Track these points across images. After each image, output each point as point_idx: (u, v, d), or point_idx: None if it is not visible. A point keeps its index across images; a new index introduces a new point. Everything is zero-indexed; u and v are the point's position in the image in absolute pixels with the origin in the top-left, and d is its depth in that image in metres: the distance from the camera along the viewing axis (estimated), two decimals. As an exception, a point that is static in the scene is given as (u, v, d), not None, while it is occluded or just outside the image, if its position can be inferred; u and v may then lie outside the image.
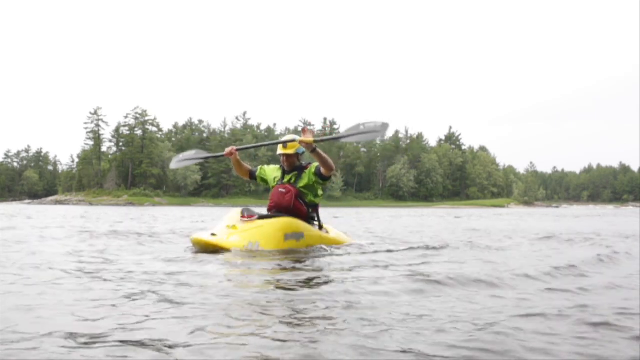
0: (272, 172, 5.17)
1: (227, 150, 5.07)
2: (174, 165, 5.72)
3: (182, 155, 5.68)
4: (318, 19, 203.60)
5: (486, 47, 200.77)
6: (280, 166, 5.13)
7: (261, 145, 5.69)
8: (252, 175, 5.20)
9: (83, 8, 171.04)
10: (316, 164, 4.92)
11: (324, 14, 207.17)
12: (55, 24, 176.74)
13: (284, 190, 4.85)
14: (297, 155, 4.98)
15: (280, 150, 4.99)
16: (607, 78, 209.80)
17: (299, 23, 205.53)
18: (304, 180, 4.90)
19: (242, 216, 4.58)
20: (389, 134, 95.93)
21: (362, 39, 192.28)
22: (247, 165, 5.21)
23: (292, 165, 4.97)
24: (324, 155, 4.77)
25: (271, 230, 4.51)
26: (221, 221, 4.63)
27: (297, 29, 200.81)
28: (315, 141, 4.71)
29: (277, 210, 4.84)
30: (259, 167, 5.26)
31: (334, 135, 5.26)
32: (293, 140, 4.90)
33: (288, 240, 4.56)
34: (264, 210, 4.99)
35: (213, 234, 4.35)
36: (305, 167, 4.97)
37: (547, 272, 3.47)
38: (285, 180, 4.97)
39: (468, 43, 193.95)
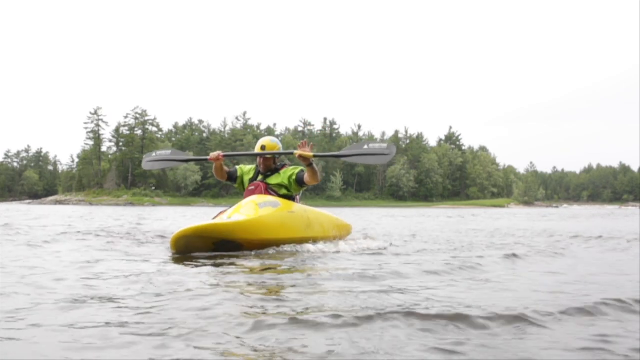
0: (248, 173, 5.17)
1: (214, 154, 4.97)
2: (146, 165, 5.32)
3: (155, 154, 5.33)
4: (318, 19, 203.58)
5: (486, 47, 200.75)
6: (256, 167, 5.13)
7: (247, 155, 5.37)
8: (230, 176, 5.14)
9: (83, 8, 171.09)
10: (296, 169, 4.94)
11: (324, 14, 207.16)
12: (55, 24, 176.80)
13: (253, 187, 4.90)
14: (274, 158, 5.01)
15: (258, 149, 4.97)
16: (606, 78, 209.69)
17: (299, 23, 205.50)
18: (276, 179, 4.93)
19: (215, 217, 4.58)
20: (389, 133, 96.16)
21: (362, 39, 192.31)
22: (226, 168, 5.18)
23: (268, 168, 4.99)
24: (317, 169, 4.79)
25: (243, 204, 4.46)
26: None
27: (297, 29, 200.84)
28: (315, 156, 4.68)
29: None
30: (237, 167, 5.23)
31: (336, 153, 5.02)
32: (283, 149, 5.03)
33: (264, 207, 4.41)
34: None
35: None
36: (279, 169, 5.00)
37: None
38: (258, 180, 5.01)
39: (468, 43, 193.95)
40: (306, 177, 4.82)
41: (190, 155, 5.40)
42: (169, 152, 5.34)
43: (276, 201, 4.58)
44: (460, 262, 3.93)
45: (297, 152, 4.71)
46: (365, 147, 4.71)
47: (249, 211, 4.32)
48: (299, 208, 4.88)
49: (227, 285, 2.82)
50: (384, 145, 4.67)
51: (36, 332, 1.86)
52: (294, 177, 4.90)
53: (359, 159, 4.77)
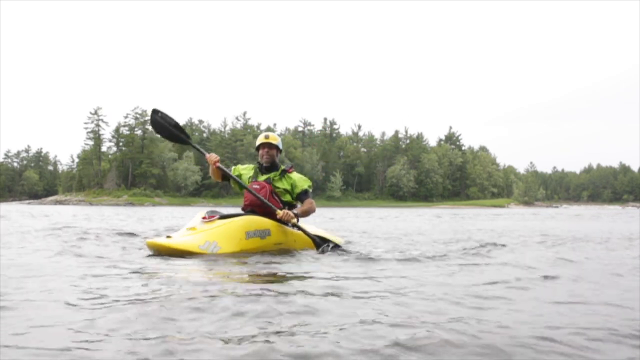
0: (246, 171, 4.90)
1: (213, 157, 4.70)
2: (155, 125, 4.82)
3: (160, 115, 4.80)
4: (318, 19, 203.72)
5: (486, 47, 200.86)
6: (257, 163, 4.88)
7: (240, 183, 4.73)
8: (225, 177, 4.83)
9: (83, 8, 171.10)
10: (304, 184, 4.77)
11: (324, 14, 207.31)
12: (55, 24, 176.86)
13: (257, 187, 4.63)
14: (277, 149, 4.79)
15: (261, 140, 4.75)
16: (606, 78, 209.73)
17: (299, 23, 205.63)
18: (284, 184, 4.72)
19: (204, 217, 4.23)
20: (389, 133, 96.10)
21: (362, 39, 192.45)
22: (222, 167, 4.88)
23: (271, 159, 4.75)
24: (306, 210, 4.66)
25: (231, 228, 4.10)
26: (185, 225, 4.28)
27: (297, 29, 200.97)
28: (296, 218, 4.51)
29: (252, 207, 4.61)
30: (233, 168, 4.98)
31: (310, 233, 4.61)
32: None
33: (251, 239, 4.15)
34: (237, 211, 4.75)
35: (168, 236, 4.04)
36: (287, 171, 4.79)
37: None
38: (260, 178, 4.74)
39: (468, 43, 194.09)
40: (305, 196, 4.74)
41: (194, 143, 4.96)
42: (173, 122, 4.85)
43: (267, 230, 4.31)
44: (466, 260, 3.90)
45: (280, 213, 4.43)
46: (325, 246, 4.52)
47: (233, 240, 4.05)
48: (289, 238, 4.52)
49: (219, 288, 2.82)
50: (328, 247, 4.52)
51: (34, 333, 1.87)
52: (297, 189, 4.74)
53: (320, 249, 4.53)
